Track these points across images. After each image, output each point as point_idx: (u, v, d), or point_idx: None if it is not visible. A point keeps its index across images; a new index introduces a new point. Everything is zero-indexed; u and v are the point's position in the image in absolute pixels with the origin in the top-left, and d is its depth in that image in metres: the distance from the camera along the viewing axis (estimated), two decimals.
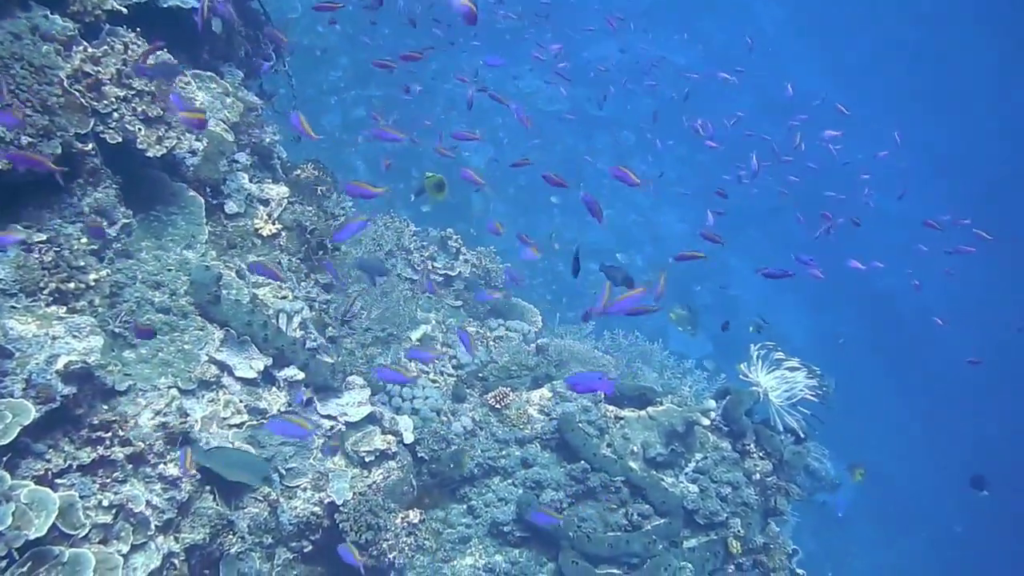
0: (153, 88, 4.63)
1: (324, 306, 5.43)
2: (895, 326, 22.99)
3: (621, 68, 21.10)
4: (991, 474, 21.99)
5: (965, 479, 22.16)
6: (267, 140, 5.84)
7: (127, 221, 4.63)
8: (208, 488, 4.40)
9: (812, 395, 5.96)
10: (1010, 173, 26.60)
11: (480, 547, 5.46)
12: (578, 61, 21.31)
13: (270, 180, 5.74)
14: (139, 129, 4.59)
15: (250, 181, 5.53)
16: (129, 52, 4.60)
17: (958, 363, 23.87)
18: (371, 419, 5.20)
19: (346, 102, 18.42)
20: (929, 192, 23.59)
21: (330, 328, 5.41)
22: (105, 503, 3.91)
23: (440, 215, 17.47)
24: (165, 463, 4.17)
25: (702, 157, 22.14)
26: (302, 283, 5.43)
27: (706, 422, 5.80)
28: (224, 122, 5.47)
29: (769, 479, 5.93)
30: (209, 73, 5.55)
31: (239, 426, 4.62)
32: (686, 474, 5.85)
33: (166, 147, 4.70)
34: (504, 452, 5.67)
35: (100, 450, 3.98)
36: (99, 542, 3.87)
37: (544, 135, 20.33)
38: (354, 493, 4.86)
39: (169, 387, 4.46)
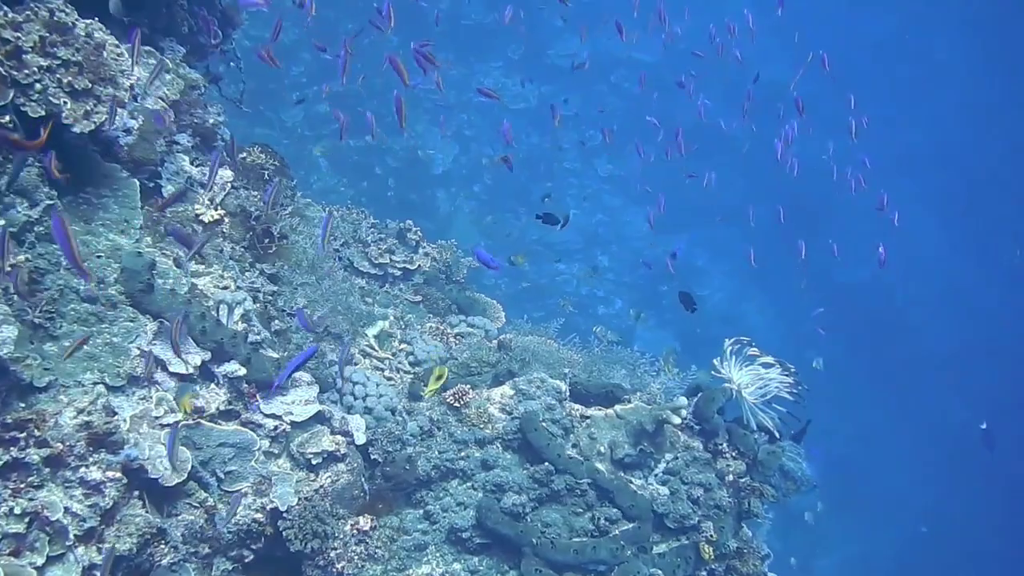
0: (81, 59, 4.26)
1: (270, 298, 5.06)
2: (862, 319, 22.98)
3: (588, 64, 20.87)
4: (964, 471, 21.98)
5: (933, 478, 22.13)
6: (211, 121, 5.45)
7: (51, 203, 4.24)
8: (136, 493, 4.02)
9: (787, 393, 5.68)
10: (984, 167, 26.71)
11: (437, 555, 5.11)
12: (543, 58, 21.06)
13: None
14: (64, 102, 4.20)
15: (191, 163, 5.15)
16: (55, 18, 4.23)
17: (927, 355, 23.96)
18: (319, 418, 4.85)
19: (308, 98, 18.02)
20: (897, 189, 23.55)
21: (276, 321, 5.05)
22: (17, 510, 3.53)
23: (404, 213, 17.14)
24: (87, 466, 3.79)
25: (671, 155, 21.95)
26: (246, 273, 5.07)
27: (677, 420, 5.49)
28: (163, 100, 5.09)
29: (743, 480, 5.64)
30: (148, 48, 5.17)
31: (173, 425, 4.25)
32: (656, 475, 5.55)
33: (94, 122, 4.31)
34: (463, 453, 5.33)
35: (13, 452, 3.60)
36: (10, 553, 3.50)
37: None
38: (299, 498, 4.51)
39: (95, 383, 4.08)
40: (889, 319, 24.08)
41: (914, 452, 22.99)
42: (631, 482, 5.42)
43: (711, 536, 5.39)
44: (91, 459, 3.81)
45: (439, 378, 4.98)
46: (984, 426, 18.62)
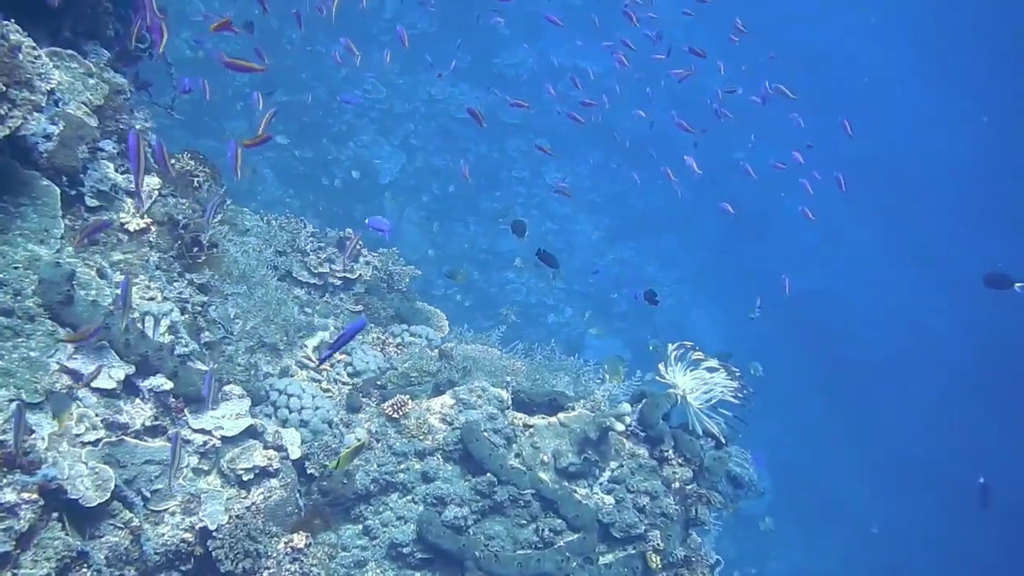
0: None
1: (199, 308, 4.89)
2: (810, 326, 23.22)
3: (535, 74, 20.85)
4: (911, 476, 22.28)
5: (881, 480, 22.41)
6: (137, 127, 5.27)
7: None
8: (56, 515, 3.83)
9: (732, 396, 5.61)
10: (921, 175, 27.16)
11: (378, 571, 4.96)
12: (490, 67, 20.99)
13: None
14: None
15: (116, 171, 4.96)
16: None
17: (872, 361, 24.26)
18: (252, 433, 4.69)
19: (252, 107, 17.77)
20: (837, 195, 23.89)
21: (206, 333, 4.87)
22: None
23: (351, 224, 16.89)
24: (1, 488, 3.60)
25: (616, 164, 22.03)
26: (174, 283, 4.89)
27: (621, 427, 5.39)
28: (86, 105, 4.91)
29: (689, 487, 5.56)
30: (70, 52, 4.99)
31: (95, 443, 4.06)
32: (601, 484, 5.45)
33: (9, 127, 4.12)
34: (403, 466, 5.19)
35: None
36: None
37: (456, 143, 20.00)
38: (230, 516, 4.34)
39: (10, 400, 3.88)
40: (833, 326, 24.37)
41: (858, 456, 23.23)
42: (576, 492, 5.32)
43: (658, 545, 5.30)
44: (4, 480, 3.62)
45: (352, 453, 4.72)
46: (982, 480, 18.14)
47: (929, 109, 28.04)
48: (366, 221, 5.95)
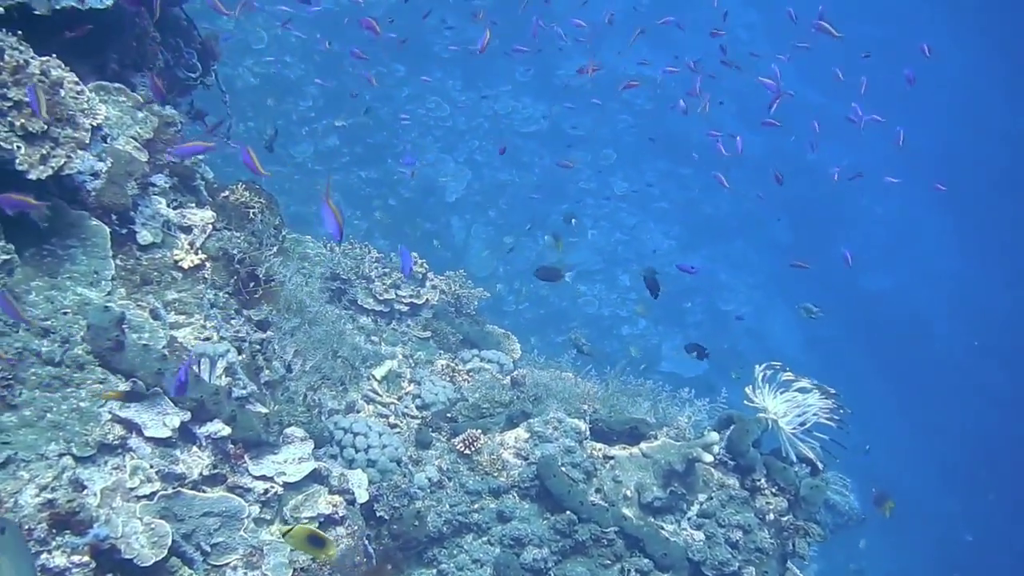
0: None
1: (257, 347, 4.66)
2: (884, 327, 22.54)
3: (597, 83, 20.53)
4: (992, 476, 21.38)
5: (969, 484, 21.58)
6: (189, 159, 5.08)
7: (7, 257, 3.88)
8: None
9: (828, 419, 5.20)
10: (997, 171, 26.23)
11: None
12: (552, 79, 20.72)
13: (193, 204, 4.98)
14: (18, 147, 3.84)
15: (168, 206, 4.77)
16: (6, 59, 3.87)
17: (949, 361, 23.50)
18: (316, 477, 4.43)
19: (317, 132, 17.78)
20: (913, 193, 23.12)
21: (265, 372, 4.64)
22: None
23: (418, 243, 16.76)
24: (50, 551, 3.39)
25: (684, 171, 21.59)
26: (231, 321, 4.66)
27: (709, 458, 5.01)
28: (135, 139, 4.73)
29: (785, 518, 5.16)
30: (117, 85, 4.82)
31: (150, 496, 3.84)
32: (689, 519, 5.08)
33: (52, 167, 3.94)
34: (477, 505, 4.89)
35: None
36: None
37: (520, 156, 19.79)
38: (295, 569, 4.08)
39: (60, 455, 3.68)
40: (907, 325, 23.66)
41: (939, 458, 22.47)
42: (662, 528, 4.97)
43: None
44: (54, 543, 3.41)
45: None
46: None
47: (997, 101, 27.09)
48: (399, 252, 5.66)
